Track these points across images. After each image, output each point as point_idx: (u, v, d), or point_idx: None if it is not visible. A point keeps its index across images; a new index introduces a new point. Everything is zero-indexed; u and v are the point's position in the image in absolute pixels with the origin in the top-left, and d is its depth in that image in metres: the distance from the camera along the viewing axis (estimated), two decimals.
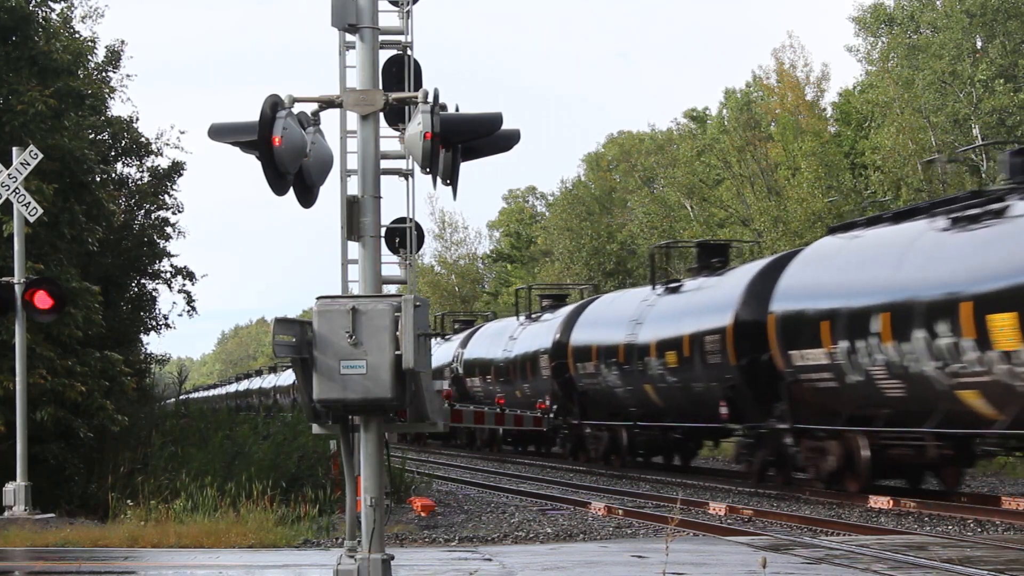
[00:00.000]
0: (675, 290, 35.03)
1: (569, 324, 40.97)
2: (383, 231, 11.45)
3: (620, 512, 23.90)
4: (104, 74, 35.89)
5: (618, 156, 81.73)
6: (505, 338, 46.98)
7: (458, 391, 48.32)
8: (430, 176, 11.30)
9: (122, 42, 36.93)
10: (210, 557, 17.28)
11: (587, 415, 39.38)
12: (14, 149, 23.32)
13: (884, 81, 52.97)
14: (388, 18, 11.47)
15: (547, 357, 41.75)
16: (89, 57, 32.10)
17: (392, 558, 11.40)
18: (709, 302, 32.15)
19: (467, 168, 11.60)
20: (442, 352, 53.82)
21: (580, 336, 39.84)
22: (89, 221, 26.93)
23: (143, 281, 37.15)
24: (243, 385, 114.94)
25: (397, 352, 10.73)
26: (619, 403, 37.05)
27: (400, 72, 11.60)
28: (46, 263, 24.93)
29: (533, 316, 46.18)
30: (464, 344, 52.16)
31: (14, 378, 23.13)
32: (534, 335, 44.29)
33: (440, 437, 54.17)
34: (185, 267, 37.39)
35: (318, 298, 10.91)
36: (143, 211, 37.51)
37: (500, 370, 46.81)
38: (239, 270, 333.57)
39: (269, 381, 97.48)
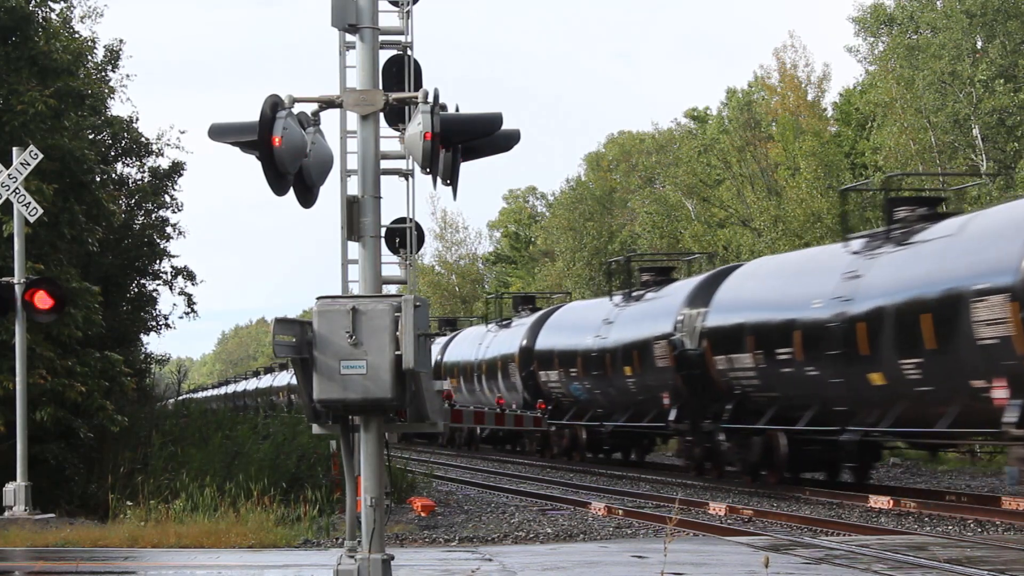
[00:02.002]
0: None
1: None
2: (383, 231, 11.45)
3: (620, 512, 23.90)
4: (103, 74, 35.90)
5: (618, 156, 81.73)
6: (813, 284, 27.07)
7: (687, 383, 31.59)
8: (430, 176, 11.31)
9: (121, 42, 36.97)
10: (210, 557, 17.28)
11: None
12: (14, 149, 23.33)
13: (886, 81, 52.96)
14: (388, 18, 11.48)
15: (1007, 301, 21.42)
16: (89, 57, 32.14)
17: (392, 558, 11.39)
18: None
19: (467, 168, 11.61)
20: (635, 319, 35.85)
21: None
22: (89, 221, 26.93)
23: (143, 281, 37.15)
24: (264, 382, 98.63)
25: (397, 352, 10.73)
26: None
27: (400, 72, 11.60)
28: (46, 263, 24.93)
29: (896, 236, 25.64)
30: (694, 302, 32.01)
31: (14, 378, 23.14)
32: (907, 274, 24.47)
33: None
34: (185, 267, 37.46)
35: (318, 298, 10.91)
36: (143, 211, 37.53)
37: (817, 336, 26.23)
38: (239, 270, 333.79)
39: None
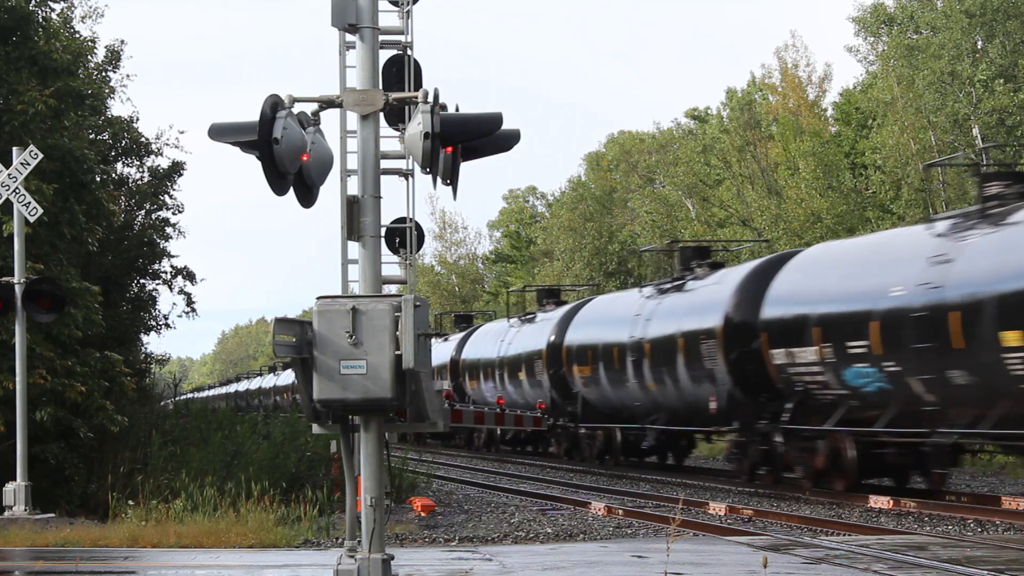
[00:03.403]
0: None
1: None
2: (383, 231, 11.45)
3: (620, 512, 23.90)
4: (104, 74, 35.90)
5: (619, 156, 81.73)
6: None
7: None
8: (430, 176, 11.31)
9: (121, 42, 36.97)
10: (210, 557, 17.28)
11: None
12: (14, 149, 23.33)
13: (887, 81, 52.95)
14: (388, 18, 11.49)
15: None
16: (89, 57, 32.14)
17: (392, 558, 11.39)
18: None
19: (467, 168, 11.61)
20: (1012, 252, 21.94)
21: None
22: (89, 221, 26.93)
23: (143, 281, 37.16)
24: (283, 379, 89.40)
25: (397, 352, 10.73)
26: None
27: (400, 72, 11.60)
28: (46, 263, 24.93)
29: None
30: None
31: (14, 378, 23.14)
32: None
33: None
34: (185, 267, 37.45)
35: (318, 298, 10.91)
36: (143, 211, 37.54)
37: None
38: (239, 270, 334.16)
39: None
